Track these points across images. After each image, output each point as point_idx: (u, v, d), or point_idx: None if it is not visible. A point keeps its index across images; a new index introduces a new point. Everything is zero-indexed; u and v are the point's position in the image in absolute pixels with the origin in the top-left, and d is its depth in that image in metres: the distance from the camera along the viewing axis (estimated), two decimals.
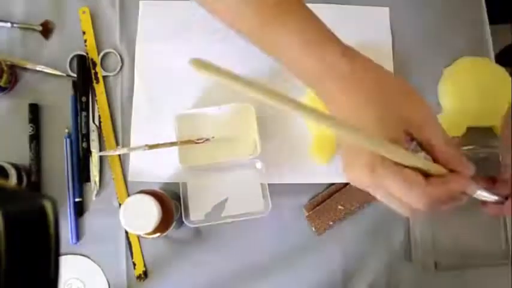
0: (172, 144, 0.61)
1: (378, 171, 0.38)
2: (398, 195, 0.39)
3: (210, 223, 0.62)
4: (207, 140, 0.62)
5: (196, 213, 0.63)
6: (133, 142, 0.66)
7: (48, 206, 0.28)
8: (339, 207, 0.64)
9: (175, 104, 0.67)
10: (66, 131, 0.66)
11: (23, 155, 0.65)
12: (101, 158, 0.66)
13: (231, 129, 0.64)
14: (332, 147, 0.66)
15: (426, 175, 0.39)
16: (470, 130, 0.68)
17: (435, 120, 0.44)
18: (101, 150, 0.66)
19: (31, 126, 0.65)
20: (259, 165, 0.64)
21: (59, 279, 0.29)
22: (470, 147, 0.64)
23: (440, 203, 0.40)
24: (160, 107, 0.67)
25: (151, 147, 0.60)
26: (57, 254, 0.29)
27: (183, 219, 0.61)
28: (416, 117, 0.42)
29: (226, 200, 0.64)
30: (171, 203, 0.58)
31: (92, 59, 0.68)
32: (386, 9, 0.72)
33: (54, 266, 0.29)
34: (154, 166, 0.65)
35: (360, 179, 0.41)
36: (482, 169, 0.67)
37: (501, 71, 0.70)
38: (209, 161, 0.63)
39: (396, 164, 0.38)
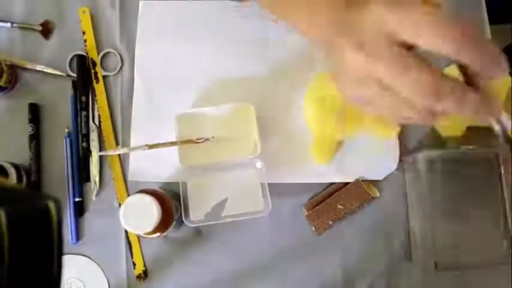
0: (172, 143, 0.61)
1: (371, 49, 0.34)
2: (390, 79, 0.34)
3: (210, 223, 0.62)
4: (207, 139, 0.62)
5: (196, 213, 0.63)
6: (133, 142, 0.66)
7: (51, 205, 0.29)
8: (339, 206, 0.64)
9: (175, 103, 0.66)
10: (66, 130, 0.66)
11: (23, 155, 0.65)
12: (101, 158, 0.66)
13: (231, 129, 0.64)
14: (332, 147, 0.66)
15: None
16: (470, 130, 0.68)
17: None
18: (101, 150, 0.66)
19: (31, 126, 0.65)
20: (259, 165, 0.64)
21: (61, 277, 0.29)
22: (470, 147, 0.64)
23: (435, 95, 0.34)
24: (160, 107, 0.67)
25: (151, 147, 0.60)
26: (60, 253, 0.29)
27: (183, 219, 0.61)
28: None
29: (226, 199, 0.64)
30: (171, 203, 0.57)
31: (91, 59, 0.68)
32: None
33: (57, 264, 0.29)
34: (154, 166, 0.65)
35: (353, 62, 0.36)
36: (482, 169, 0.68)
37: None
38: (209, 160, 0.63)
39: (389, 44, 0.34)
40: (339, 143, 0.67)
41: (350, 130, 0.66)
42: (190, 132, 0.63)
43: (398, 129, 0.66)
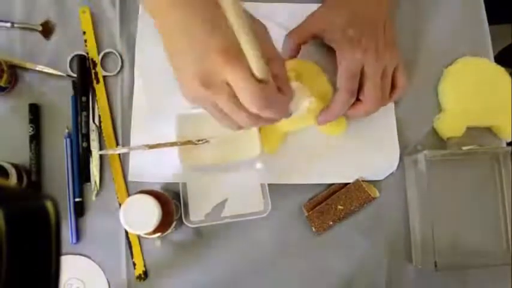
0: (172, 144, 0.61)
1: (211, 84, 0.43)
2: (226, 110, 0.45)
3: (210, 223, 0.62)
4: (207, 141, 0.62)
5: (196, 214, 0.63)
6: (134, 142, 0.66)
7: (49, 206, 0.29)
8: (339, 207, 0.64)
9: (176, 103, 0.66)
10: (66, 131, 0.66)
11: (23, 155, 0.65)
12: (101, 158, 0.66)
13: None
14: (279, 136, 0.65)
15: None
16: (470, 130, 0.68)
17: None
18: (101, 150, 0.66)
19: (31, 126, 0.65)
20: (259, 165, 0.64)
21: (59, 278, 0.29)
22: (470, 147, 0.64)
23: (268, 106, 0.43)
24: (160, 107, 0.67)
25: (151, 147, 0.60)
26: (59, 253, 0.29)
27: (183, 220, 0.61)
28: None
29: (226, 200, 0.64)
30: (171, 203, 0.57)
31: (92, 59, 0.68)
32: None
33: (55, 265, 0.29)
34: (154, 166, 0.65)
35: (194, 93, 0.46)
36: (482, 169, 0.68)
37: (501, 71, 0.70)
38: (209, 161, 0.63)
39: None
40: (285, 134, 0.66)
41: (297, 124, 0.65)
42: (191, 133, 0.63)
43: (344, 126, 0.66)
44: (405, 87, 0.64)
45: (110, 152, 0.64)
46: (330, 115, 0.62)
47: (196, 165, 0.63)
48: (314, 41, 0.66)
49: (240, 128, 0.49)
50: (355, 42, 0.59)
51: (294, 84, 0.63)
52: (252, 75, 0.41)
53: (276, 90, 0.44)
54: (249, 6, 0.70)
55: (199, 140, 0.62)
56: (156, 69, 0.68)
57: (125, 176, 0.66)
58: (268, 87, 0.43)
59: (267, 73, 0.42)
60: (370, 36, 0.59)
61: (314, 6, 0.65)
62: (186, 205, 0.63)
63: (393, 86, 0.64)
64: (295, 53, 0.66)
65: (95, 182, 0.65)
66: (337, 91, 0.60)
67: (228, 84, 0.42)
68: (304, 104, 0.63)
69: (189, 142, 0.62)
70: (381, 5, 0.63)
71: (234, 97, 0.43)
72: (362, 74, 0.60)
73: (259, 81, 0.42)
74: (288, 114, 0.52)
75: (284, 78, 0.47)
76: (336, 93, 0.60)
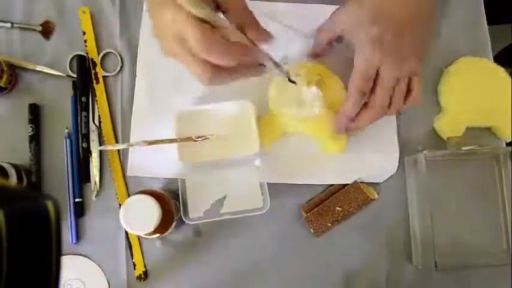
0: (171, 141, 0.61)
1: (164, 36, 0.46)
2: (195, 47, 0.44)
3: (209, 220, 0.62)
4: (206, 138, 0.62)
5: (195, 210, 0.63)
6: (133, 141, 0.66)
7: (50, 206, 0.29)
8: (337, 208, 0.64)
9: (177, 102, 0.66)
10: (66, 131, 0.66)
11: (23, 155, 0.65)
12: (101, 159, 0.66)
13: (231, 127, 0.64)
14: (275, 134, 0.65)
15: None
16: (470, 130, 0.68)
17: None
18: None
19: (31, 127, 0.65)
20: (258, 162, 0.64)
21: (60, 277, 0.29)
22: (470, 147, 0.64)
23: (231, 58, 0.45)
24: (161, 106, 0.67)
25: (150, 143, 0.59)
26: (59, 253, 0.29)
27: (182, 216, 0.61)
28: None
29: (225, 196, 0.64)
30: (171, 203, 0.57)
31: (92, 59, 0.68)
32: None
33: (55, 264, 0.29)
34: (154, 162, 0.65)
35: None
36: (482, 169, 0.68)
37: (501, 71, 0.70)
38: (208, 158, 0.63)
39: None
40: (283, 133, 0.66)
41: (299, 126, 0.65)
42: (190, 130, 0.63)
43: (345, 144, 0.65)
44: (418, 100, 0.61)
45: (109, 147, 0.64)
46: (341, 118, 0.60)
47: (195, 162, 0.63)
48: (333, 49, 0.65)
49: (207, 80, 0.49)
50: (376, 44, 0.56)
51: (313, 89, 0.62)
52: (195, 16, 0.42)
53: (219, 32, 0.45)
54: (251, 6, 0.70)
55: (198, 137, 0.62)
56: (158, 69, 0.68)
57: (125, 177, 0.66)
58: (209, 29, 0.43)
59: (207, 14, 0.43)
60: (393, 38, 0.56)
61: (320, 7, 0.65)
62: (185, 202, 0.63)
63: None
64: (323, 53, 0.64)
65: (95, 182, 0.65)
66: (348, 92, 0.58)
67: (177, 30, 0.44)
68: (314, 110, 0.62)
69: (188, 139, 0.61)
70: (409, 4, 0.59)
71: (180, 40, 0.44)
72: (376, 76, 0.57)
73: (203, 22, 0.43)
74: (234, 60, 0.47)
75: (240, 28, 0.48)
76: (347, 95, 0.58)
